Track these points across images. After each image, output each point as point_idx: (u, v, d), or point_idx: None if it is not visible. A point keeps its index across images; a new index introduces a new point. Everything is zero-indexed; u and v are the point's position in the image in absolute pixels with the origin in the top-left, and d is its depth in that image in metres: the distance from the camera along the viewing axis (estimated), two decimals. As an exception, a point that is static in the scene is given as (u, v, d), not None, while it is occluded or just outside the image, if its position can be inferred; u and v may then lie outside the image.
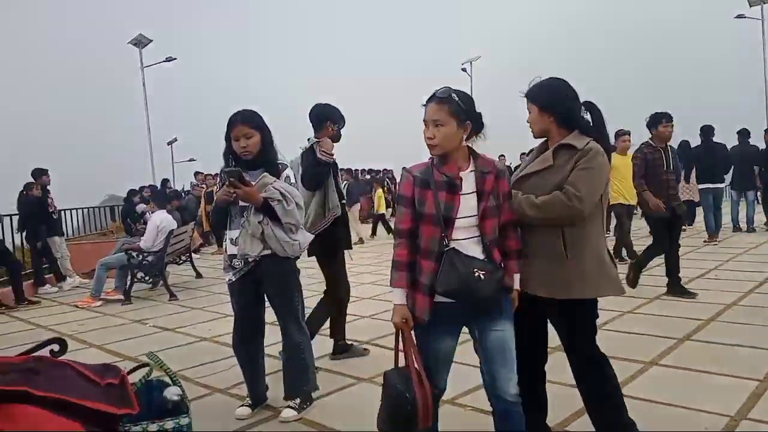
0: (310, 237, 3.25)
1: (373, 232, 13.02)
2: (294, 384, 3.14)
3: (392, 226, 12.96)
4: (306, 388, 3.15)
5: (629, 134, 7.37)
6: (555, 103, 2.38)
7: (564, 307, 2.30)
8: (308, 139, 3.91)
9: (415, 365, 2.11)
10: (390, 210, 19.46)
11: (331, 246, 3.91)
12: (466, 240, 2.07)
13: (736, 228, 10.08)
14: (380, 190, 13.42)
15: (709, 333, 4.19)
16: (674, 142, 5.72)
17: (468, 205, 2.08)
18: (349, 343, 4.11)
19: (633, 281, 5.35)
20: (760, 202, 10.48)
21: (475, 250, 2.07)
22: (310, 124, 3.95)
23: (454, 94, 2.07)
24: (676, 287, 5.35)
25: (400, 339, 2.18)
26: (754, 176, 10.09)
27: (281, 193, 2.97)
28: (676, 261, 5.40)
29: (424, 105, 2.12)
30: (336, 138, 3.93)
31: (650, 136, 5.44)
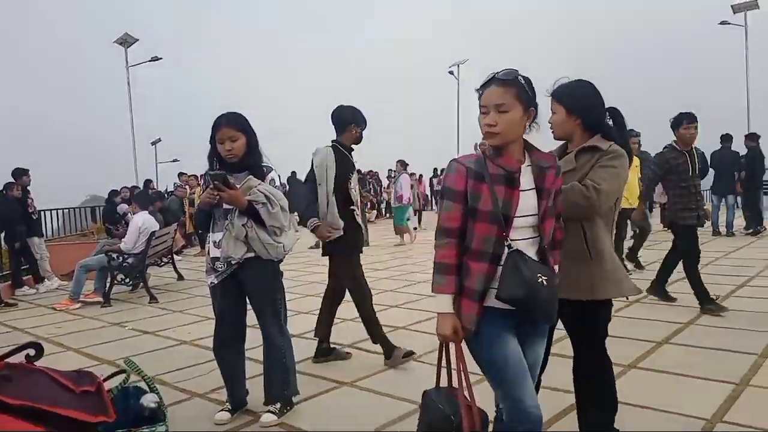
0: (295, 239, 3.25)
1: None
2: (274, 388, 3.12)
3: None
4: (286, 393, 3.13)
5: (639, 136, 7.19)
6: (583, 106, 2.35)
7: (584, 308, 2.28)
8: (331, 141, 3.96)
9: (464, 384, 1.91)
10: (375, 212, 19.51)
11: (335, 247, 3.92)
12: (523, 241, 1.88)
13: (716, 232, 10.25)
14: None
15: (688, 336, 4.24)
16: (659, 147, 5.50)
17: (527, 203, 1.88)
18: (332, 346, 4.10)
19: (707, 303, 4.98)
20: (740, 206, 10.68)
21: (530, 253, 1.89)
22: (333, 126, 3.99)
23: (520, 77, 1.88)
24: (660, 288, 5.37)
25: (445, 353, 1.99)
26: (734, 181, 10.27)
27: (266, 196, 2.97)
28: (672, 268, 5.35)
29: (479, 90, 1.91)
30: (357, 140, 4.00)
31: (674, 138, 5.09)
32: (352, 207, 3.92)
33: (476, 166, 1.87)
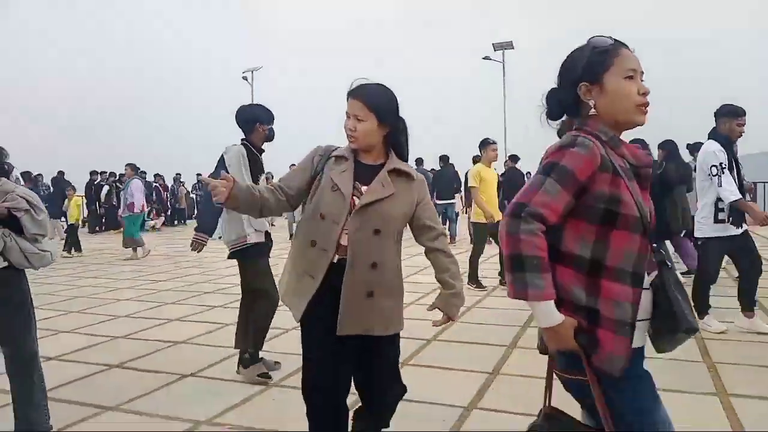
0: (56, 245, 2.90)
1: (67, 247, 10.80)
2: (25, 424, 2.69)
3: (78, 240, 11.28)
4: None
5: (496, 144, 6.81)
6: (393, 117, 2.06)
7: (390, 341, 2.26)
8: (241, 140, 3.75)
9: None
10: (162, 219, 18.15)
11: (245, 251, 3.66)
12: None
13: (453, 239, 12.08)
14: (76, 198, 11.44)
15: (453, 333, 4.69)
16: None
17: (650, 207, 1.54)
18: (260, 356, 3.74)
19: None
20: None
21: None
22: (239, 128, 3.77)
23: None
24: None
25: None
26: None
27: (27, 201, 2.64)
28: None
29: (619, 46, 1.54)
30: (269, 137, 3.85)
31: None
32: None
33: (606, 154, 1.46)
